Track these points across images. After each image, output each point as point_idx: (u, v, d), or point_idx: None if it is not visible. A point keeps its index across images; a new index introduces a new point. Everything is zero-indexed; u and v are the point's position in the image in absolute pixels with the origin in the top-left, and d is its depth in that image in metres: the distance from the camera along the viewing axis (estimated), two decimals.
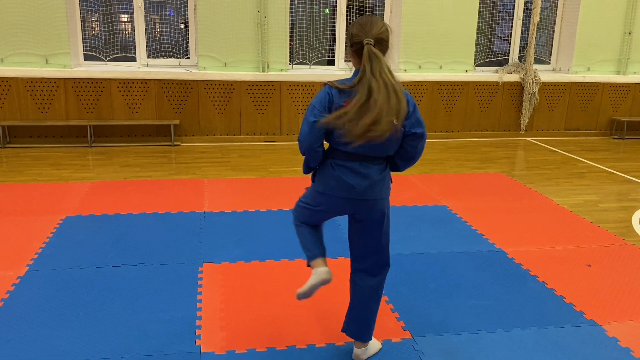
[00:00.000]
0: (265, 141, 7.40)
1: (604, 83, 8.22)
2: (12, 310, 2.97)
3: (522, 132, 8.16)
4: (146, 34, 7.14)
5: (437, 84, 7.70)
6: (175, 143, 7.08)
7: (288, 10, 7.13)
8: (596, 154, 7.28)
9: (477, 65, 8.05)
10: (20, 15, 6.46)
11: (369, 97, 2.12)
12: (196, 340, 2.74)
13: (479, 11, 7.72)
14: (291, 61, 7.52)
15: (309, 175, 2.48)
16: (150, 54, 7.24)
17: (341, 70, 7.65)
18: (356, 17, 6.69)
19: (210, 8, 6.88)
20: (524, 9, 8.07)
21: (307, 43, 7.54)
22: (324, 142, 2.32)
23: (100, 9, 7.08)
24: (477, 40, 7.83)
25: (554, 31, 8.30)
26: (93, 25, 7.32)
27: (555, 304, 3.21)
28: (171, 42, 7.32)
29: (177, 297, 3.15)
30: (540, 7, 7.80)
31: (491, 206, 4.92)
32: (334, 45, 7.64)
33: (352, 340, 2.63)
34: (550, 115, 8.22)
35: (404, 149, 2.34)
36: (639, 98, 8.41)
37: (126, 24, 7.25)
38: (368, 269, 2.49)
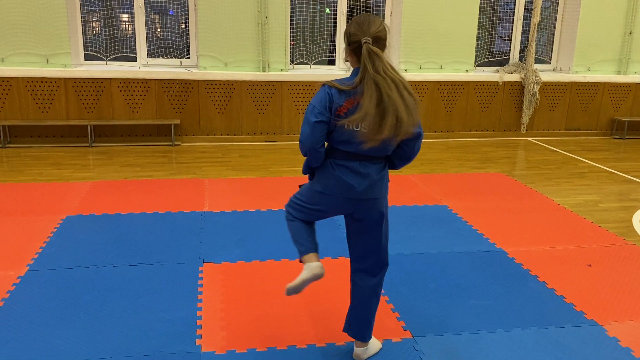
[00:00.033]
0: (266, 141, 7.40)
1: (604, 83, 8.22)
2: (13, 310, 2.97)
3: (523, 132, 8.15)
4: (147, 33, 7.14)
5: (438, 83, 7.70)
6: (176, 143, 7.08)
7: (288, 10, 7.13)
8: (597, 154, 7.27)
9: (478, 65, 8.04)
10: (20, 15, 6.46)
11: (381, 95, 2.09)
12: (196, 340, 2.74)
13: (480, 11, 7.71)
14: (292, 61, 7.52)
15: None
16: (151, 54, 7.24)
17: (342, 70, 7.64)
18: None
19: (211, 8, 6.88)
20: (525, 8, 8.07)
21: (308, 43, 7.54)
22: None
23: (100, 8, 7.08)
24: (477, 40, 7.82)
25: (554, 31, 8.29)
26: (94, 25, 7.32)
27: (556, 304, 3.20)
28: (172, 41, 7.33)
29: (178, 297, 3.15)
30: (541, 7, 7.79)
31: (491, 206, 4.92)
32: (334, 45, 7.64)
33: (353, 340, 2.63)
34: (551, 115, 8.22)
35: (401, 149, 2.33)
36: (639, 98, 8.41)
37: (127, 23, 7.26)
38: (368, 269, 2.48)
